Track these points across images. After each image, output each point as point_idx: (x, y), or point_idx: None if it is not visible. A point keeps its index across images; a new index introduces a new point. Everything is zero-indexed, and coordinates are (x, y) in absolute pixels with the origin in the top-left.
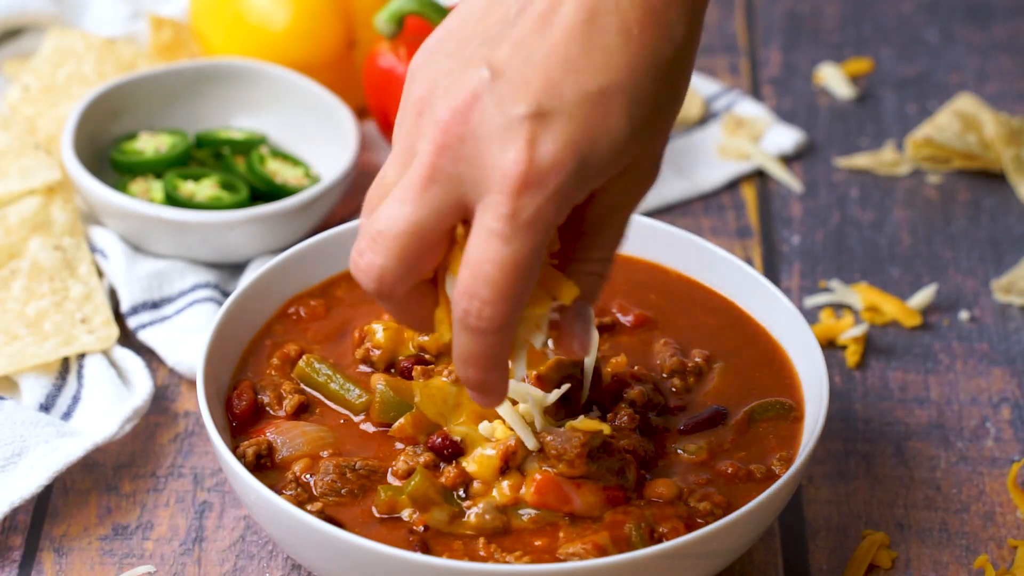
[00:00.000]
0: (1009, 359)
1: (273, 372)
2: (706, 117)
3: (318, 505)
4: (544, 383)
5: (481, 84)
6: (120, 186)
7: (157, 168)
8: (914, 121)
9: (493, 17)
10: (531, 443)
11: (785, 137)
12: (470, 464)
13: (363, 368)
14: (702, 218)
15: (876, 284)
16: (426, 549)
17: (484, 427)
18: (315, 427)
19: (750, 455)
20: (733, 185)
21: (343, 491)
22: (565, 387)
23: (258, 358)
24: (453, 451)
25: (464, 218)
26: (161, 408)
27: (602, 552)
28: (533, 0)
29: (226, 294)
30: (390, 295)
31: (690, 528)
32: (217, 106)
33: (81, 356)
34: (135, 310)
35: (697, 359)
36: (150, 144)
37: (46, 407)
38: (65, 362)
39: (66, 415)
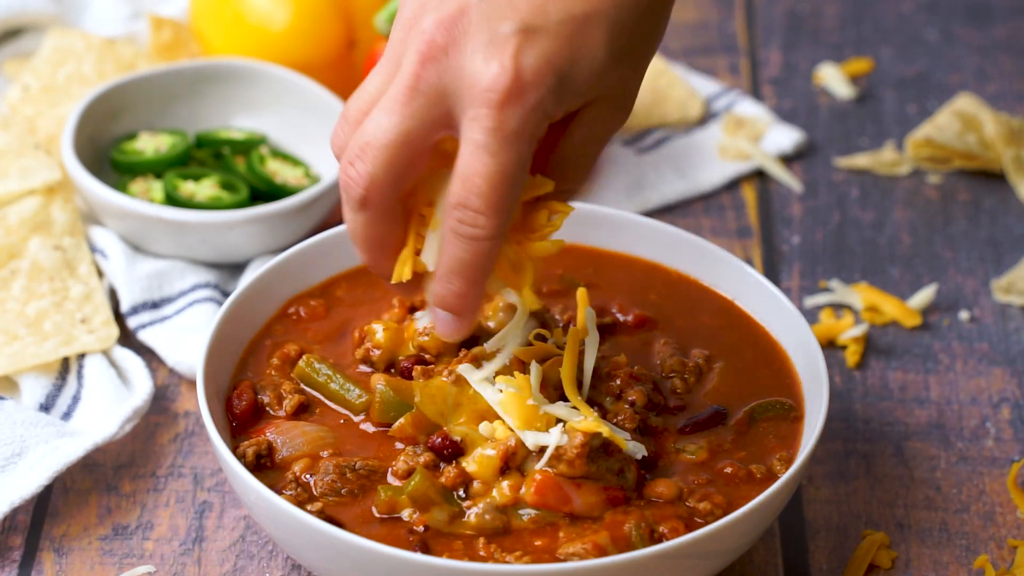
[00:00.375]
0: (1009, 359)
1: (273, 372)
2: (706, 117)
3: (318, 505)
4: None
5: (469, 1)
6: (120, 186)
7: (157, 168)
8: (914, 121)
9: None
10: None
11: (785, 137)
12: (470, 464)
13: (363, 368)
14: (702, 218)
15: (876, 284)
16: (426, 549)
17: (484, 427)
18: (315, 427)
19: (750, 455)
20: (733, 185)
21: (343, 491)
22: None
23: (258, 358)
24: (453, 451)
25: (448, 130)
26: (161, 408)
27: (602, 552)
28: None
29: (226, 294)
30: (376, 204)
31: (690, 528)
32: (217, 106)
33: (81, 356)
34: (135, 310)
35: (697, 359)
36: (150, 144)
37: (46, 407)
38: (65, 362)
39: (66, 415)
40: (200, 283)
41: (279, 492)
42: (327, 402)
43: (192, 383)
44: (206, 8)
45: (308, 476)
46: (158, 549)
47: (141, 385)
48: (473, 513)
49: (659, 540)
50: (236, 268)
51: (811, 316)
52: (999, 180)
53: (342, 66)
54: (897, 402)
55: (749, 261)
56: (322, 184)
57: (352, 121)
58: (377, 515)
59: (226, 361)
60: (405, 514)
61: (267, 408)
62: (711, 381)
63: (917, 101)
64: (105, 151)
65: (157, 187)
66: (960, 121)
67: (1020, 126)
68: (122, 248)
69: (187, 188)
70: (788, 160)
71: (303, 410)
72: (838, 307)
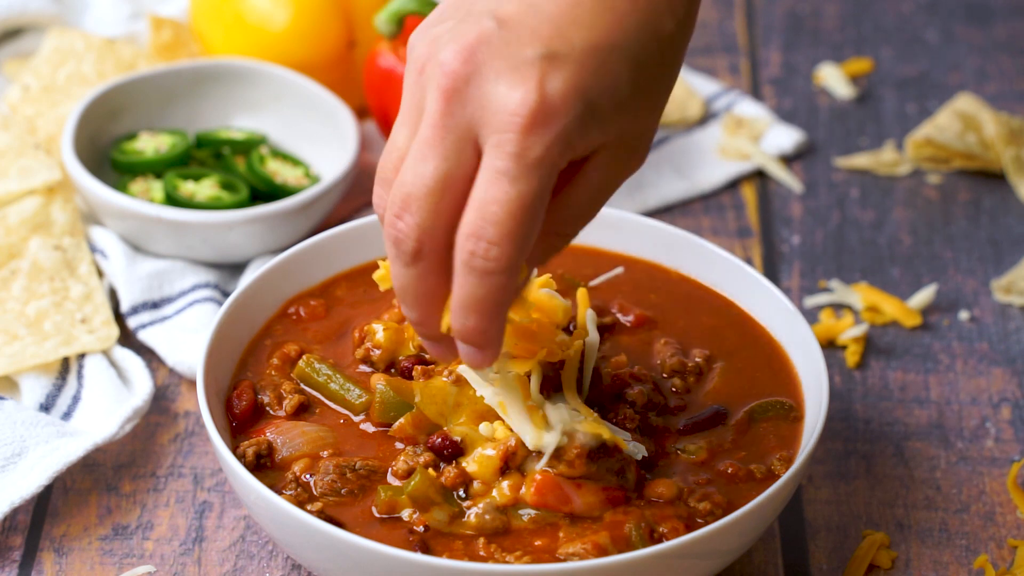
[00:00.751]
0: (1009, 359)
1: (273, 372)
2: (706, 117)
3: (318, 505)
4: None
5: (488, 30)
6: (120, 186)
7: (157, 168)
8: (914, 121)
9: None
10: (531, 441)
11: (785, 137)
12: (470, 464)
13: (363, 368)
14: (702, 218)
15: (876, 284)
16: (426, 549)
17: (484, 427)
18: (315, 427)
19: (750, 455)
20: (733, 185)
21: (343, 491)
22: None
23: (258, 358)
24: (453, 451)
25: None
26: (161, 408)
27: (602, 552)
28: None
29: (226, 294)
30: (430, 254)
31: (690, 528)
32: (217, 106)
33: (81, 356)
34: (135, 310)
35: (697, 359)
36: (150, 144)
37: (46, 407)
38: (65, 362)
39: (66, 415)
40: (200, 283)
41: (279, 492)
42: (327, 402)
43: (192, 383)
44: (206, 8)
45: (308, 476)
46: (158, 549)
47: (141, 385)
48: (473, 513)
49: (659, 540)
50: (236, 268)
51: (811, 316)
52: (999, 180)
53: (342, 66)
54: (897, 402)
55: (749, 261)
56: (322, 184)
57: (388, 180)
58: (377, 515)
59: (226, 361)
60: (405, 514)
61: (267, 408)
62: (711, 381)
63: (917, 101)
64: (105, 151)
65: (157, 187)
66: (960, 121)
67: (1020, 126)
68: (122, 248)
69: (187, 188)
70: (788, 160)
71: (303, 410)
72: (838, 307)
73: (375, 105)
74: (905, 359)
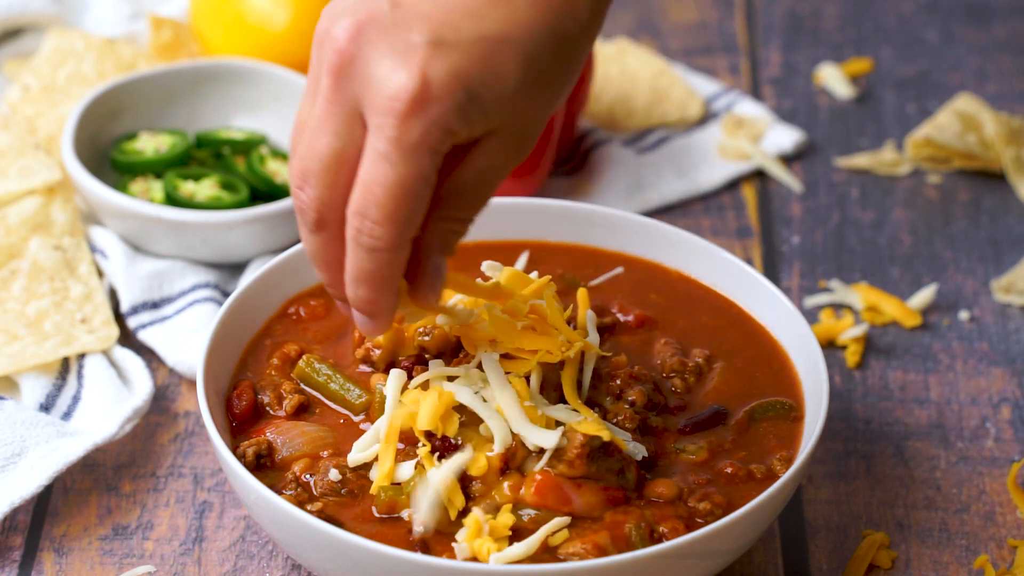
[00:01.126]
0: (1009, 359)
1: (273, 372)
2: (706, 117)
3: (318, 505)
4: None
5: (379, 10)
6: (120, 186)
7: (157, 168)
8: (914, 121)
9: None
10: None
11: (785, 137)
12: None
13: (363, 368)
14: (702, 218)
15: (876, 284)
16: (426, 549)
17: (484, 427)
18: (315, 427)
19: (750, 455)
20: (733, 185)
21: (343, 491)
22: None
23: (258, 358)
24: (453, 451)
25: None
26: (161, 408)
27: (602, 552)
28: None
29: (226, 294)
30: (331, 223)
31: (690, 528)
32: (217, 106)
33: (81, 356)
34: (135, 310)
35: (697, 359)
36: (150, 144)
37: (46, 407)
38: (65, 362)
39: (66, 415)
40: (200, 283)
41: (279, 492)
42: (327, 402)
43: (192, 383)
44: (206, 8)
45: (308, 476)
46: (158, 549)
47: (141, 385)
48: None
49: (659, 540)
50: (236, 268)
51: (811, 316)
52: (999, 180)
53: None
54: (897, 402)
55: (749, 261)
56: None
57: (294, 153)
58: (377, 515)
59: (226, 361)
60: (405, 514)
61: (267, 408)
62: (711, 381)
63: (917, 101)
64: (105, 151)
65: (157, 187)
66: (960, 121)
67: (1020, 126)
68: (122, 248)
69: (187, 188)
70: (788, 160)
71: (303, 410)
72: (838, 307)
73: None
74: (905, 359)
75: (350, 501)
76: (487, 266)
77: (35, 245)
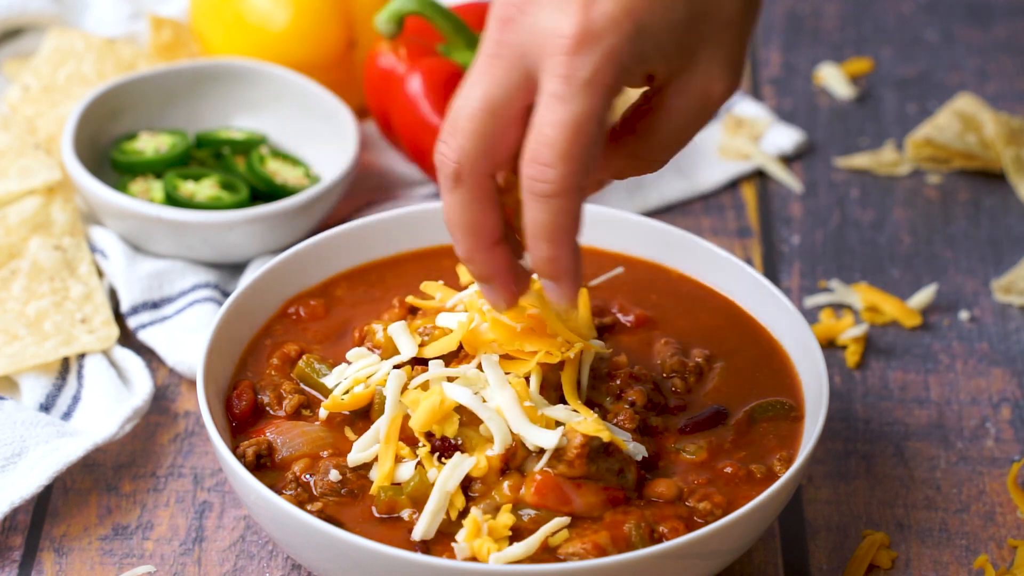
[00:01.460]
0: (1009, 359)
1: (273, 372)
2: None
3: (318, 505)
4: None
5: None
6: (120, 186)
7: (157, 168)
8: (914, 121)
9: None
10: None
11: (785, 137)
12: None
13: None
14: (702, 218)
15: (876, 284)
16: (426, 549)
17: (484, 427)
18: (315, 427)
19: (750, 455)
20: (733, 185)
21: (343, 491)
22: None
23: (258, 358)
24: (453, 451)
25: (534, 94)
26: (161, 408)
27: (602, 552)
28: None
29: (226, 294)
30: (469, 178)
31: (690, 528)
32: (217, 106)
33: (81, 356)
34: (135, 310)
35: (697, 359)
36: (150, 144)
37: (46, 407)
38: (65, 362)
39: (66, 415)
40: (200, 283)
41: (279, 492)
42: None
43: (192, 383)
44: (206, 8)
45: (308, 476)
46: (158, 549)
47: (141, 385)
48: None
49: (659, 540)
50: (236, 268)
51: (811, 316)
52: (999, 180)
53: (342, 66)
54: (897, 402)
55: (749, 261)
56: (322, 184)
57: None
58: (377, 515)
59: (226, 361)
60: (405, 514)
61: (267, 408)
62: (711, 381)
63: (917, 101)
64: (105, 151)
65: (157, 187)
66: (960, 121)
67: (1020, 126)
68: (122, 248)
69: (187, 188)
70: (788, 160)
71: (303, 410)
72: (838, 307)
73: (375, 105)
74: (905, 359)
75: (350, 501)
76: None
77: (35, 245)
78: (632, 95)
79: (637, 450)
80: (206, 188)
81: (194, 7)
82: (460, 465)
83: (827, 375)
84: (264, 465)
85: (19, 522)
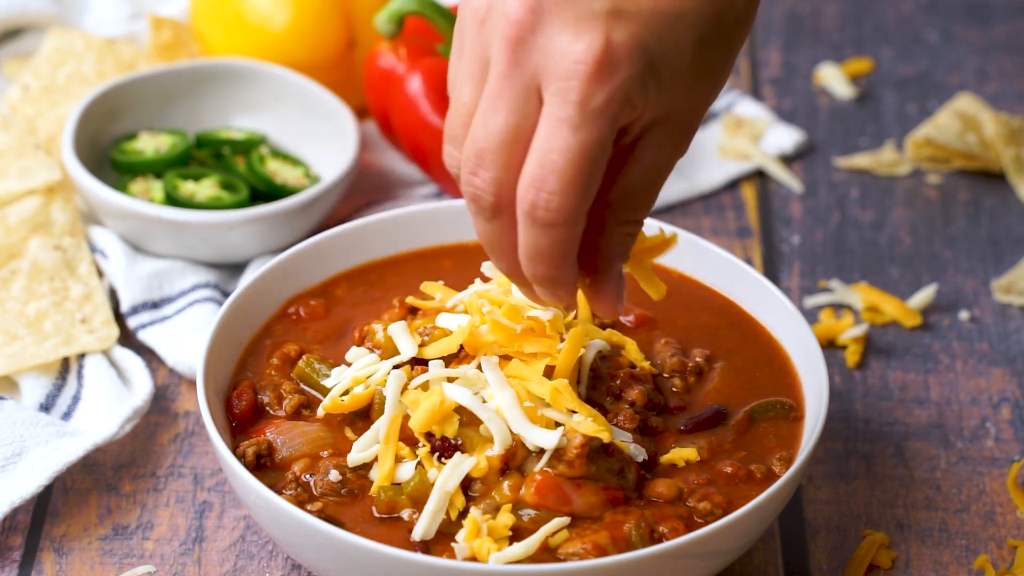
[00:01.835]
0: (1009, 359)
1: (273, 372)
2: (706, 117)
3: (318, 505)
4: None
5: None
6: (120, 186)
7: (157, 168)
8: (914, 121)
9: None
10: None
11: (785, 137)
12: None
13: None
14: (702, 218)
15: (876, 284)
16: (426, 549)
17: (484, 427)
18: (315, 427)
19: (750, 455)
20: (733, 185)
21: (343, 491)
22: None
23: (258, 358)
24: (453, 451)
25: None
26: (161, 408)
27: (602, 552)
28: None
29: (226, 294)
30: (509, 206)
31: (690, 528)
32: (217, 106)
33: (81, 356)
34: (135, 310)
35: (697, 359)
36: (150, 144)
37: (46, 407)
38: (65, 362)
39: (66, 415)
40: (200, 283)
41: (279, 492)
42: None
43: (192, 383)
44: (206, 8)
45: (308, 476)
46: (158, 549)
47: (141, 385)
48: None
49: (659, 540)
50: (236, 268)
51: (811, 316)
52: (999, 180)
53: (342, 66)
54: (897, 402)
55: (749, 261)
56: (322, 184)
57: (458, 137)
58: (377, 515)
59: (226, 361)
60: (405, 514)
61: (267, 408)
62: (711, 381)
63: (917, 101)
64: (105, 151)
65: (157, 187)
66: (960, 121)
67: (1020, 126)
68: (122, 248)
69: (187, 188)
70: (788, 160)
71: (303, 410)
72: (838, 307)
73: (375, 105)
74: (905, 359)
75: (350, 501)
76: (487, 266)
77: (35, 245)
78: None
79: (638, 451)
80: (206, 188)
81: (194, 7)
82: (460, 465)
83: (827, 375)
84: (264, 465)
85: (19, 522)
